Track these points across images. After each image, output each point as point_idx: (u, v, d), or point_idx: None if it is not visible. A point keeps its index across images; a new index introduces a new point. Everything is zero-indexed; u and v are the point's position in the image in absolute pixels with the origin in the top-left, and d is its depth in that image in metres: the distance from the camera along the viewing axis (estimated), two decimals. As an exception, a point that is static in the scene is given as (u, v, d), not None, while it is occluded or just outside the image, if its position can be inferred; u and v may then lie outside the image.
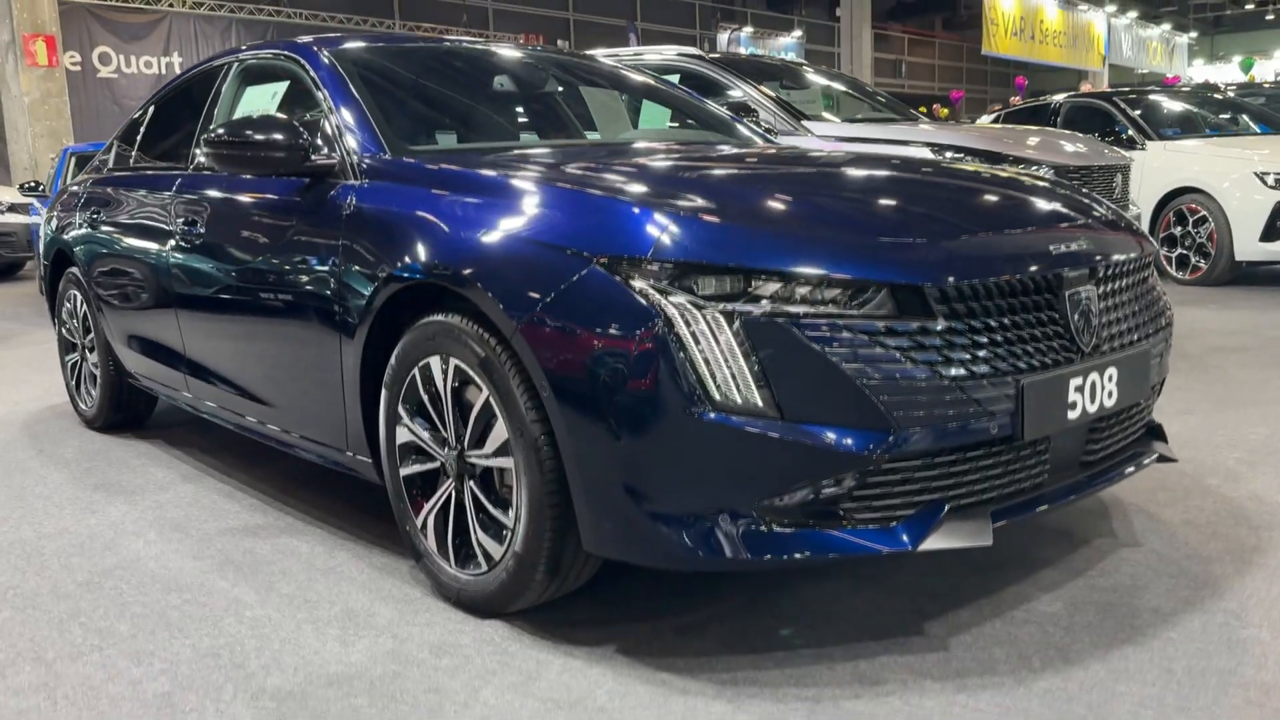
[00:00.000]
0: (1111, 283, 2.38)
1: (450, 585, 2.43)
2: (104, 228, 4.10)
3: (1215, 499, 3.01)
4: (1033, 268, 2.18)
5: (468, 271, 2.25)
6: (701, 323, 1.96)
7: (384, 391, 2.54)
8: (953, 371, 2.00)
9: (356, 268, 2.59)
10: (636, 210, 2.13)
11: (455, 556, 2.42)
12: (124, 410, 4.36)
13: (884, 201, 2.46)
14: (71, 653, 2.30)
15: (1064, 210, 2.51)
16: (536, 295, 2.12)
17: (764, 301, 1.98)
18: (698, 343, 1.95)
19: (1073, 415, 2.19)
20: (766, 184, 2.61)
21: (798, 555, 1.99)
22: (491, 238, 2.27)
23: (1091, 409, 2.23)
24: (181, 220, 3.45)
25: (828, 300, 2.00)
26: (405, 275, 2.42)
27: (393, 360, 2.50)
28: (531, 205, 2.28)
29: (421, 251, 2.40)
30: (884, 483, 2.02)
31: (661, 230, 2.05)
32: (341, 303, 2.64)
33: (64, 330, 4.67)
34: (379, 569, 2.71)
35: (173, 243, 3.49)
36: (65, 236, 4.45)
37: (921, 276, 2.03)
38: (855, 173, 2.76)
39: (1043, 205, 2.53)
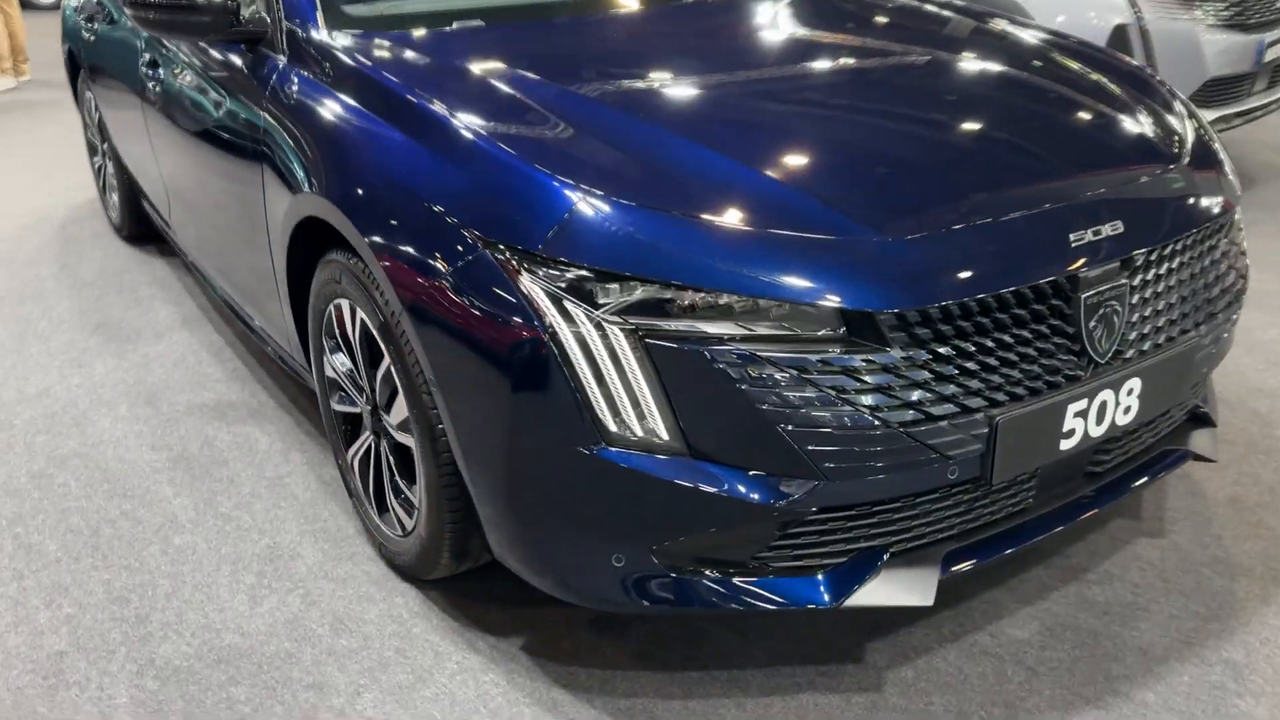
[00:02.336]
0: (1157, 267, 1.89)
1: (374, 534, 2.28)
2: (97, 40, 3.80)
3: (1277, 466, 2.58)
4: (1037, 275, 1.71)
5: (361, 224, 1.92)
6: (599, 342, 1.61)
7: (310, 319, 2.30)
8: (905, 415, 1.63)
9: (273, 170, 2.27)
10: (540, 187, 1.72)
11: (378, 507, 2.26)
12: (145, 223, 4.23)
13: (848, 175, 1.86)
14: (-5, 578, 2.28)
15: (1107, 154, 1.98)
16: (425, 275, 1.79)
17: (679, 320, 1.62)
18: (594, 364, 1.62)
19: (1067, 445, 1.80)
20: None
21: (698, 606, 1.74)
22: (387, 187, 1.91)
23: (1096, 432, 1.83)
24: (148, 57, 3.13)
25: (757, 318, 1.62)
26: (305, 203, 2.11)
27: (313, 289, 2.24)
28: (436, 149, 1.88)
29: (320, 182, 2.06)
30: (807, 533, 1.72)
31: (564, 218, 1.67)
32: (265, 203, 2.35)
33: (88, 132, 4.50)
34: (325, 484, 2.58)
35: (142, 82, 3.19)
36: (74, 37, 4.18)
37: (875, 301, 1.61)
38: (825, 119, 2.13)
39: (1076, 152, 1.97)
